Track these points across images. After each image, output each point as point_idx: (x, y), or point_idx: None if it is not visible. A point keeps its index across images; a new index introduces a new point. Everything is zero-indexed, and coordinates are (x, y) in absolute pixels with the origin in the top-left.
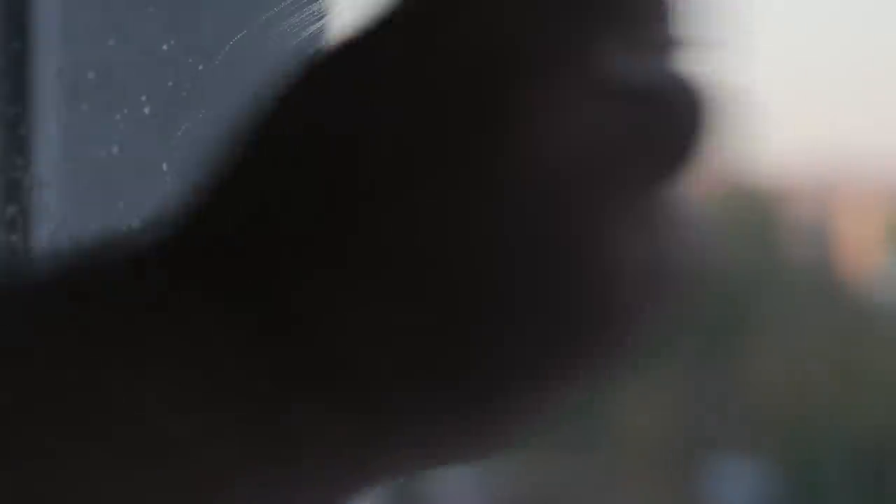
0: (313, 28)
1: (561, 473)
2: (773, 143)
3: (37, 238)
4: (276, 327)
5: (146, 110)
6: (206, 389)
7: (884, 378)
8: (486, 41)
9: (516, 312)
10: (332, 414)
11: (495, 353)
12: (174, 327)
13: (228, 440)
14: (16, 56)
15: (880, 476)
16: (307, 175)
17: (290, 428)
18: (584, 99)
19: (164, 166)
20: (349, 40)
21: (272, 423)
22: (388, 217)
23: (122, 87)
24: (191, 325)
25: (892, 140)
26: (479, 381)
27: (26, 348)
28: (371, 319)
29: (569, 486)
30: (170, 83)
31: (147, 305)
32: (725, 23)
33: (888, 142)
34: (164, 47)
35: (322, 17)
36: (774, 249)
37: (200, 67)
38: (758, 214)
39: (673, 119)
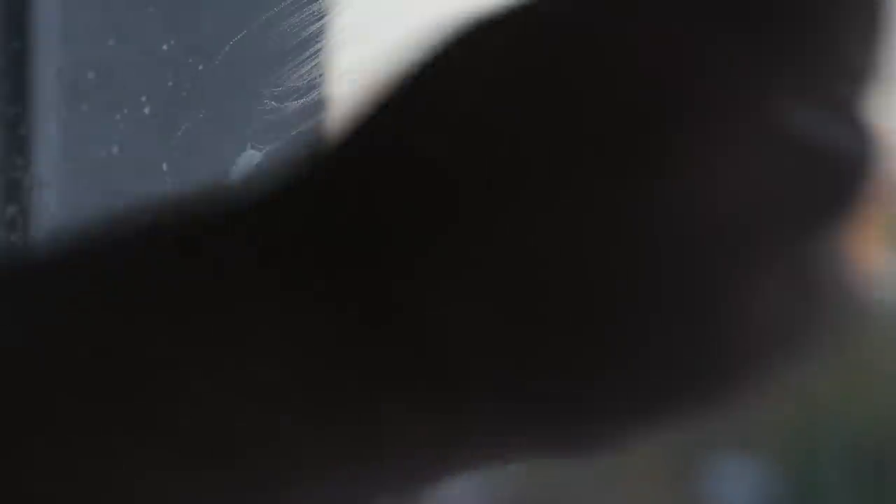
0: (313, 28)
1: (561, 473)
2: None
3: (37, 238)
4: (376, 317)
5: (146, 110)
6: (295, 387)
7: (884, 378)
8: (658, 72)
9: (635, 342)
10: (415, 414)
11: (600, 379)
12: (268, 314)
13: (311, 440)
14: (16, 56)
15: (880, 476)
16: (427, 166)
17: (373, 428)
18: (751, 150)
19: (164, 166)
20: (526, 28)
21: (355, 423)
22: (510, 219)
23: (122, 87)
24: (288, 312)
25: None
26: (577, 403)
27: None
28: (471, 317)
29: (569, 486)
30: (170, 83)
31: (235, 285)
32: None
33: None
34: (164, 47)
35: (322, 17)
36: None
37: (200, 67)
38: None
39: (840, 177)
